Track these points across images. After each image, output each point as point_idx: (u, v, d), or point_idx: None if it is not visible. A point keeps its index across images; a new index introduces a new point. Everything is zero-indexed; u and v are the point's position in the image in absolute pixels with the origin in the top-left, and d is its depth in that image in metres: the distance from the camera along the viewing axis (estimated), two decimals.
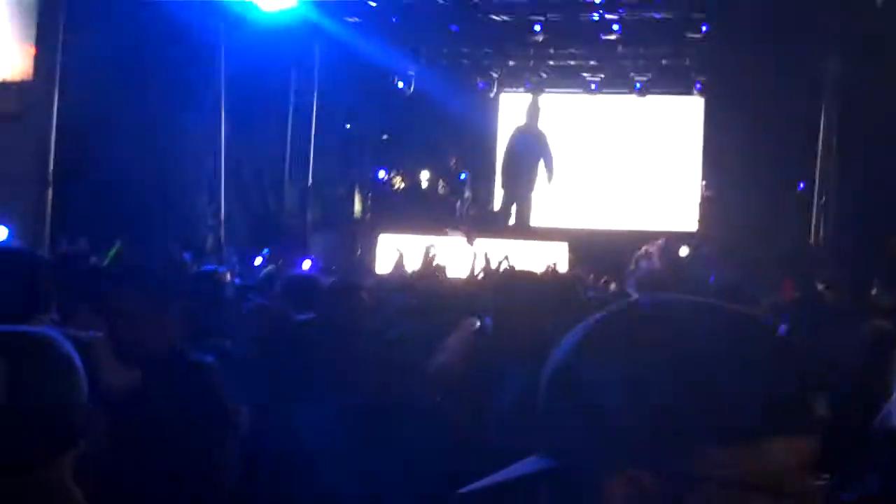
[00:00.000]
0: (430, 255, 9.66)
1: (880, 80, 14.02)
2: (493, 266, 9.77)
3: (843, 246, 15.26)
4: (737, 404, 1.05)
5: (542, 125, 19.03)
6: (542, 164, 18.23)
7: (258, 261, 14.06)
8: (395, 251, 10.84)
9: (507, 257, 10.13)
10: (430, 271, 9.32)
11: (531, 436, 1.16)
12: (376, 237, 16.74)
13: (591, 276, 12.26)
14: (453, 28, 18.36)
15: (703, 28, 17.36)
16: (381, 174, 21.27)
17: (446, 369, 4.57)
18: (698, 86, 20.54)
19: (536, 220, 19.18)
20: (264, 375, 4.52)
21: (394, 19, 18.07)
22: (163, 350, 3.38)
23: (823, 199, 15.72)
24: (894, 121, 13.90)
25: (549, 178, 18.13)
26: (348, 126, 20.96)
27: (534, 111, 18.99)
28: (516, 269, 8.83)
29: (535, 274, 5.88)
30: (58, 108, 12.92)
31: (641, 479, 1.06)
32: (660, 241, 11.15)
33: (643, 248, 10.88)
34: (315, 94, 19.05)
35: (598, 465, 1.09)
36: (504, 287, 4.84)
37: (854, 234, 15.08)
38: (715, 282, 8.81)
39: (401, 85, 20.75)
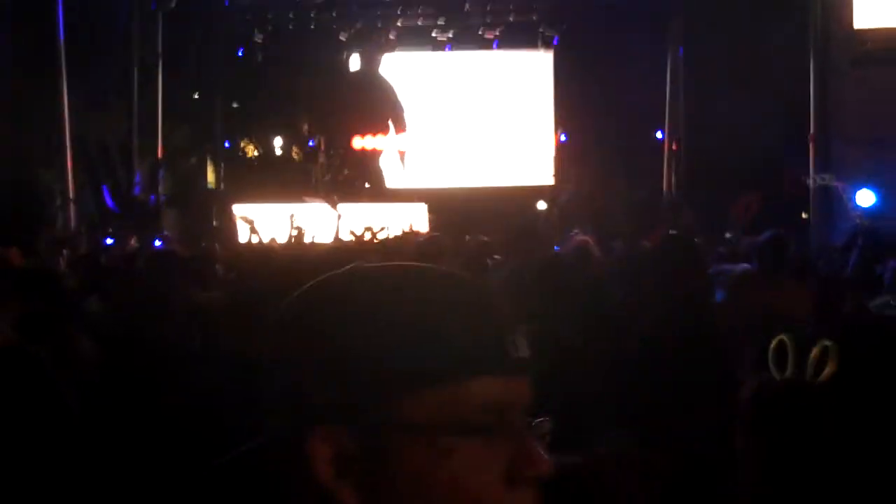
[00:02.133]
0: (294, 223, 9.53)
1: (724, 28, 14.43)
2: (360, 233, 9.73)
3: (695, 193, 15.72)
4: (422, 347, 1.03)
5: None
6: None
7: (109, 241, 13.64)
8: (247, 220, 10.56)
9: (382, 227, 10.09)
10: (298, 239, 9.22)
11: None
12: (230, 208, 16.44)
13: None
14: None
15: None
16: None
17: None
18: (556, 40, 20.77)
19: (394, 181, 19.17)
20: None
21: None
22: None
23: (674, 146, 16.13)
24: (737, 69, 14.34)
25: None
26: (196, 96, 20.49)
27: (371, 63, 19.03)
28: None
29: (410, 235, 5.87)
30: None
31: (337, 435, 1.03)
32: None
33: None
34: (160, 64, 18.58)
35: (295, 423, 1.05)
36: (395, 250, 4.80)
37: (705, 181, 15.54)
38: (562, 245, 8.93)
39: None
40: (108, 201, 17.18)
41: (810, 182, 14.17)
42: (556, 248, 8.59)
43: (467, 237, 10.80)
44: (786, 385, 2.27)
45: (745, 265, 6.45)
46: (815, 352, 2.23)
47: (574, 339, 4.29)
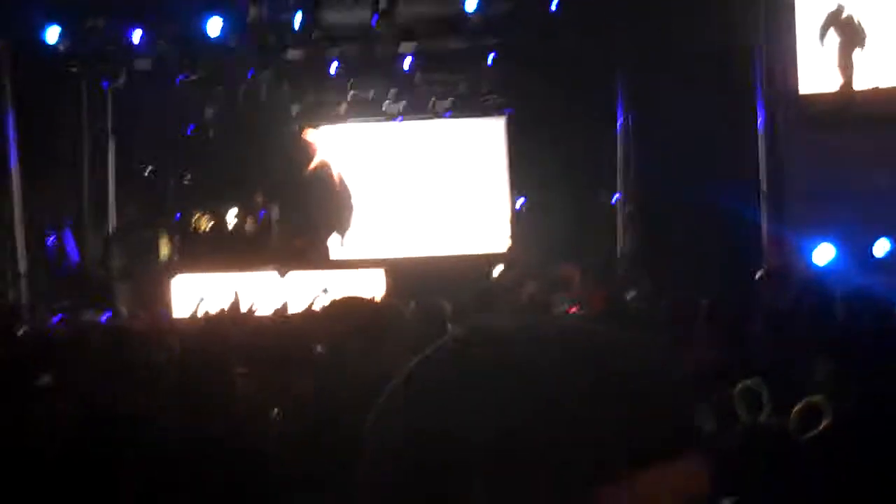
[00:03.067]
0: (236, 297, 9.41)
1: (670, 91, 14.65)
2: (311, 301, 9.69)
3: (643, 255, 15.83)
4: (617, 434, 0.94)
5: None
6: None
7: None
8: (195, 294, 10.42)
9: (325, 290, 10.04)
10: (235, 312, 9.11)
11: None
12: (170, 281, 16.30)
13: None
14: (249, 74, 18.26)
15: (491, 56, 17.82)
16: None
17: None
18: (508, 111, 21.02)
19: (349, 251, 19.13)
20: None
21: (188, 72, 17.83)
22: None
23: (627, 209, 16.27)
24: (683, 127, 14.55)
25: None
26: (148, 170, 20.41)
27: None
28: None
29: (364, 299, 5.80)
30: None
31: None
32: None
33: None
34: (110, 140, 18.56)
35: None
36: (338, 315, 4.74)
37: (653, 242, 15.67)
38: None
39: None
40: (71, 247, 16.95)
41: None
42: None
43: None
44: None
45: None
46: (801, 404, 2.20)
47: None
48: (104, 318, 13.20)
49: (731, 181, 14.55)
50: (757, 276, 14.60)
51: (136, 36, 16.26)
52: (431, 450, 0.95)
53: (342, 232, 18.62)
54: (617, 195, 17.22)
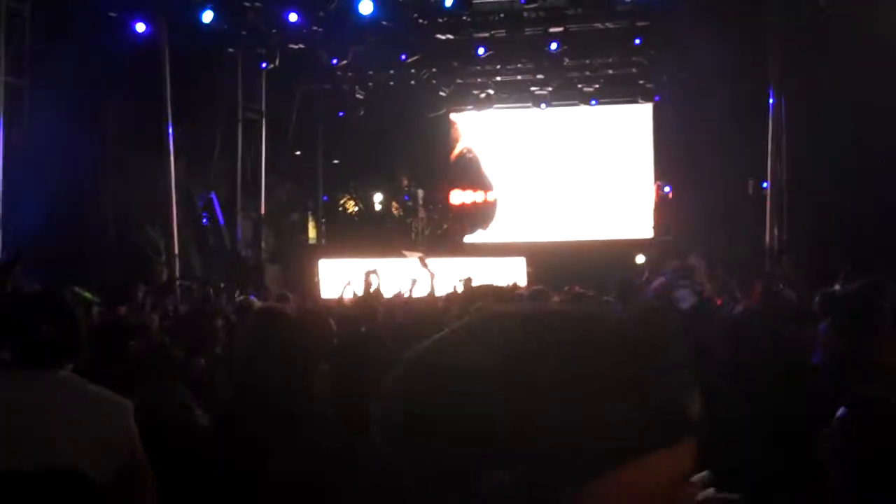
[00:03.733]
0: (369, 280, 9.48)
1: (824, 81, 14.14)
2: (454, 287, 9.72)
3: (799, 245, 15.34)
4: (608, 425, 0.93)
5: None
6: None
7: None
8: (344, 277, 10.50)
9: (469, 279, 10.06)
10: (370, 296, 9.16)
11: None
12: (318, 263, 16.59)
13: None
14: (402, 57, 18.31)
15: (638, 40, 17.48)
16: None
17: None
18: (657, 98, 20.70)
19: (494, 235, 19.19)
20: None
21: (340, 51, 18.04)
22: None
23: (777, 200, 15.79)
24: (838, 119, 14.03)
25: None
26: (298, 153, 20.82)
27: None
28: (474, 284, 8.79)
29: (499, 287, 5.81)
30: None
31: None
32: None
33: None
34: (263, 123, 18.97)
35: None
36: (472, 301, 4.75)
37: (809, 232, 15.17)
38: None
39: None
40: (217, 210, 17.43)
41: None
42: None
43: (566, 288, 10.70)
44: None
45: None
46: None
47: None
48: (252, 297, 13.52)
49: (890, 171, 14.00)
50: None
51: (292, 18, 16.50)
52: (428, 431, 0.96)
53: (487, 219, 18.65)
54: (765, 184, 16.74)
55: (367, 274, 9.35)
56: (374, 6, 15.71)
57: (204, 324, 6.32)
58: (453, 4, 16.04)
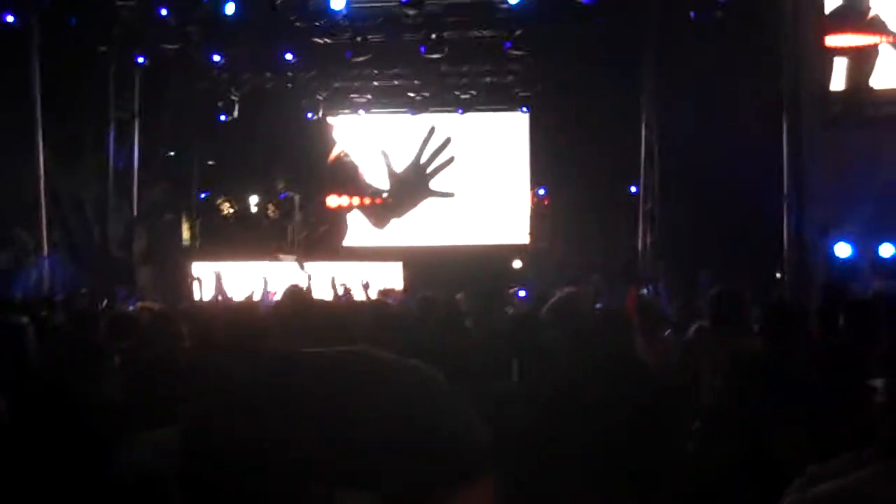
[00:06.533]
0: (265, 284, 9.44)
1: (693, 92, 14.57)
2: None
3: (668, 251, 15.74)
4: (436, 455, 0.96)
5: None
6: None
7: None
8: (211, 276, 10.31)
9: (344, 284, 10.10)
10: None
11: None
12: (190, 266, 16.33)
13: None
14: (287, 56, 18.10)
15: (507, 45, 17.63)
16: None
17: None
18: (524, 109, 21.03)
19: (370, 239, 19.18)
20: None
21: (215, 54, 17.81)
22: None
23: (649, 205, 16.18)
24: (707, 129, 14.47)
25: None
26: (172, 153, 20.48)
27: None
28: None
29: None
30: None
31: None
32: None
33: None
34: (136, 121, 18.61)
35: None
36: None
37: (678, 240, 15.57)
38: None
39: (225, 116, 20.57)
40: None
41: None
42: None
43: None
44: None
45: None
46: None
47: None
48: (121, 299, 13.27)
49: (756, 178, 14.47)
50: (777, 275, 14.62)
51: (164, 16, 16.23)
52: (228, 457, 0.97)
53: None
54: (634, 188, 17.13)
55: (217, 276, 9.27)
56: (251, 7, 15.64)
57: None
58: (328, 9, 16.00)
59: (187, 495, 1.01)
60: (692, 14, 14.86)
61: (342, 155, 19.01)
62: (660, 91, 15.91)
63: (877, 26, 13.90)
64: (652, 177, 16.32)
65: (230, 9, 15.50)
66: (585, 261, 16.50)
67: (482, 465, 1.00)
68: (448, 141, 19.46)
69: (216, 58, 18.09)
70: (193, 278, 11.56)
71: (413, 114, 21.66)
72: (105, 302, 11.44)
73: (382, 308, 6.55)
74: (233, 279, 10.31)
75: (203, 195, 21.34)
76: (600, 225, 17.64)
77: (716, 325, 5.69)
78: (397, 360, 1.05)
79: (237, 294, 9.79)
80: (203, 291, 11.09)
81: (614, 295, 11.50)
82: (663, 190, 16.18)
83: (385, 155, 20.11)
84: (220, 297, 9.21)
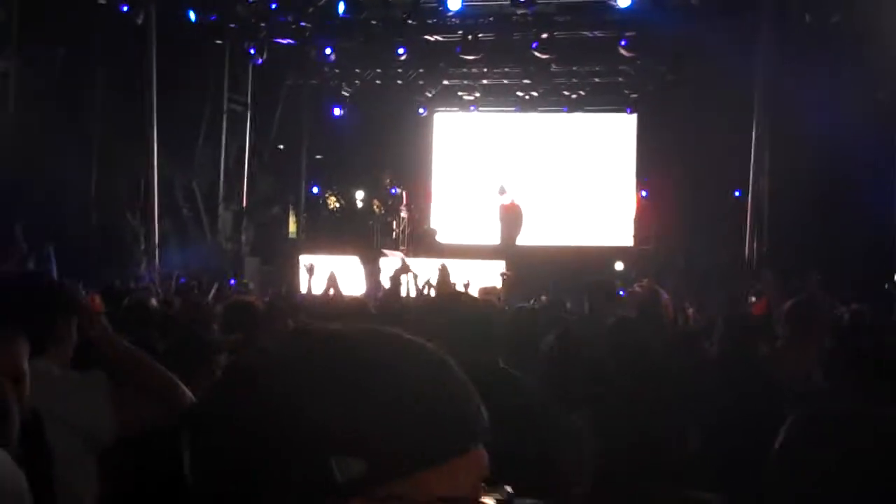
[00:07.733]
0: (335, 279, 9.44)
1: (805, 95, 14.27)
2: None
3: (776, 258, 15.42)
4: (421, 427, 0.99)
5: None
6: None
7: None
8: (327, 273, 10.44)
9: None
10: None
11: None
12: (298, 258, 16.51)
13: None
14: (398, 52, 18.17)
15: (623, 43, 17.39)
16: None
17: None
18: (628, 110, 20.87)
19: (474, 238, 19.21)
20: None
21: (327, 48, 18.01)
22: None
23: (758, 211, 15.85)
24: (821, 132, 14.17)
25: None
26: (281, 147, 20.79)
27: None
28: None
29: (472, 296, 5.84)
30: None
31: None
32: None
33: None
34: (248, 115, 18.94)
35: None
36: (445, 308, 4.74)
37: (787, 246, 15.26)
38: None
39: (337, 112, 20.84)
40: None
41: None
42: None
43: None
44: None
45: None
46: None
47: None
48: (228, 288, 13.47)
49: (868, 182, 14.16)
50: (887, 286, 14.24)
51: (279, 12, 16.50)
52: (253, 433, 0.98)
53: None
54: (738, 193, 16.82)
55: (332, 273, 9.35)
56: (364, 5, 15.80)
57: None
58: (444, 8, 16.08)
59: (191, 463, 1.04)
60: (806, 17, 14.54)
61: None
62: (772, 94, 15.59)
63: None
64: (761, 181, 15.99)
65: (342, 7, 15.68)
66: (694, 265, 16.32)
67: (475, 437, 1.04)
68: None
69: (328, 52, 18.26)
70: (306, 267, 11.69)
71: (521, 112, 21.67)
72: (213, 291, 11.63)
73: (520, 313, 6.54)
74: (340, 274, 10.42)
75: (314, 190, 21.62)
76: (706, 229, 17.35)
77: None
78: (413, 338, 1.09)
79: (348, 289, 9.90)
80: (313, 283, 11.22)
81: (718, 301, 11.31)
82: (773, 195, 15.86)
83: None
84: (331, 291, 9.30)
